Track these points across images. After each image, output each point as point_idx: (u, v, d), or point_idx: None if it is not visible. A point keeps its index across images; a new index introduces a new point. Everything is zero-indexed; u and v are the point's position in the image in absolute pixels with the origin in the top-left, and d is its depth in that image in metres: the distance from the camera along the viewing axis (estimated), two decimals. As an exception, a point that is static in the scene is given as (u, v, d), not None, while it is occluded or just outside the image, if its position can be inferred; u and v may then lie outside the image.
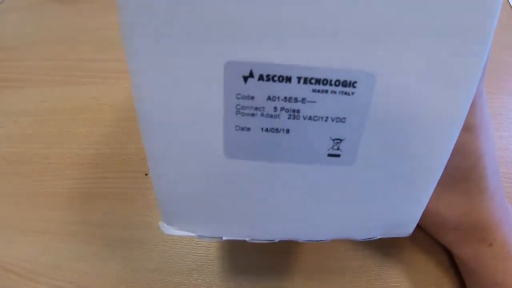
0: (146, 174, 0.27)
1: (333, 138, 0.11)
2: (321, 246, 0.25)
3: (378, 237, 0.15)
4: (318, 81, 0.09)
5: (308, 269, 0.24)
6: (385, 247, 0.24)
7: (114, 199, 0.26)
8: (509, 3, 0.39)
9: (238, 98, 0.10)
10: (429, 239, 0.23)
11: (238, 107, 0.10)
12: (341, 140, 0.11)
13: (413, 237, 0.16)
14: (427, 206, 0.15)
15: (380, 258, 0.24)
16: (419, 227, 0.17)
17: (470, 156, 0.17)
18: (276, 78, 0.09)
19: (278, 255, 0.24)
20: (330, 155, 0.11)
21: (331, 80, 0.09)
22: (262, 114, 0.10)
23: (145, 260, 0.24)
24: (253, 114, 0.10)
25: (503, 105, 0.31)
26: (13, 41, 0.39)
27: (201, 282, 0.24)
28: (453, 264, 0.23)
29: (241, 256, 0.24)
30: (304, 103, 0.10)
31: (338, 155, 0.11)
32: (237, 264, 0.24)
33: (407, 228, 0.15)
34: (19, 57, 0.37)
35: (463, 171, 0.18)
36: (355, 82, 0.10)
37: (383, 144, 0.11)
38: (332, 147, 0.11)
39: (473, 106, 0.16)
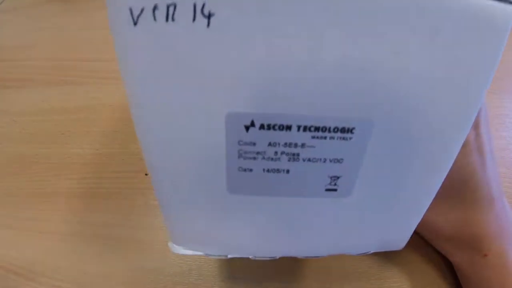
0: (146, 174, 0.27)
1: (330, 175, 0.11)
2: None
3: (372, 251, 0.16)
4: (317, 129, 0.10)
5: (309, 269, 0.24)
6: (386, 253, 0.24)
7: (114, 199, 0.26)
8: (509, 3, 0.39)
9: (240, 144, 0.10)
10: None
11: (240, 151, 0.10)
12: (338, 177, 0.11)
13: (413, 238, 0.16)
14: (429, 220, 0.16)
15: (381, 258, 0.24)
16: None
17: (464, 169, 0.17)
18: (276, 127, 0.10)
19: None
20: (327, 189, 0.12)
21: (329, 127, 0.10)
22: (263, 158, 0.10)
23: (145, 260, 0.24)
24: (254, 158, 0.10)
25: (503, 105, 0.31)
26: (13, 41, 0.39)
27: (201, 282, 0.24)
28: (451, 265, 0.23)
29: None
30: (304, 147, 0.10)
31: (335, 190, 0.12)
32: (237, 264, 0.24)
33: (400, 243, 0.15)
34: (19, 57, 0.37)
35: (458, 183, 0.18)
36: (353, 128, 0.10)
37: (379, 176, 0.12)
38: (330, 183, 0.11)
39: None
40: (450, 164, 0.12)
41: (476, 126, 0.17)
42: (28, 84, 0.32)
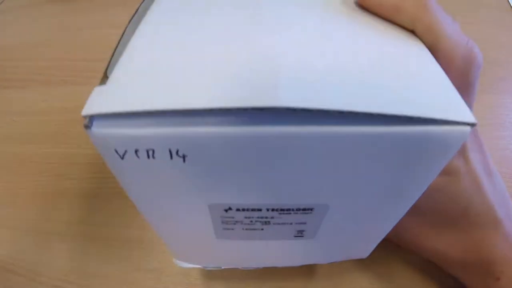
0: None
1: (296, 230, 0.14)
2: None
3: (339, 260, 0.19)
4: (282, 209, 0.12)
5: (309, 269, 0.24)
6: (388, 246, 0.24)
7: (114, 199, 0.26)
8: (509, 3, 0.39)
9: (222, 217, 0.13)
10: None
11: (222, 220, 0.13)
12: (303, 230, 0.14)
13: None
14: (427, 246, 0.19)
15: (382, 258, 0.24)
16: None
17: (459, 197, 0.17)
18: (250, 209, 0.12)
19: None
20: (295, 236, 0.15)
21: (293, 208, 0.12)
22: (241, 223, 0.13)
23: (145, 260, 0.24)
24: (234, 223, 0.13)
25: (503, 105, 0.31)
26: (13, 41, 0.39)
27: (201, 282, 0.24)
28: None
29: (241, 256, 0.24)
30: (273, 218, 0.13)
31: (302, 236, 0.15)
32: (237, 264, 0.24)
33: (364, 254, 0.18)
34: (19, 57, 0.37)
35: (456, 212, 0.18)
36: (312, 208, 0.12)
37: (338, 225, 0.14)
38: (296, 234, 0.14)
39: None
40: (404, 210, 0.14)
41: (462, 152, 0.17)
42: (28, 84, 0.32)
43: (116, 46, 0.12)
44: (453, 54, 0.14)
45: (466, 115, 0.08)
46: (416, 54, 0.11)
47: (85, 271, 0.24)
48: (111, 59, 0.11)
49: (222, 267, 0.20)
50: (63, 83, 0.33)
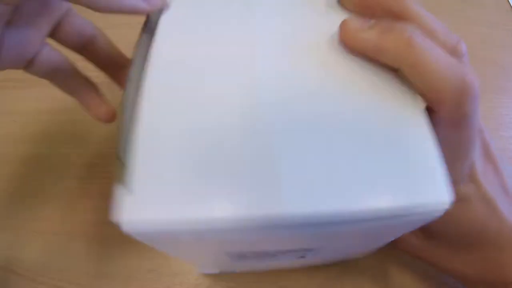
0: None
1: (299, 257, 0.17)
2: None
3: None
4: (283, 252, 0.15)
5: (309, 269, 0.24)
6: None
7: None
8: (509, 3, 0.39)
9: (237, 256, 0.15)
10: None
11: (237, 256, 0.15)
12: (304, 257, 0.17)
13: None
14: (445, 265, 0.19)
15: (384, 257, 0.24)
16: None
17: (475, 222, 0.17)
18: (259, 252, 0.15)
19: (278, 255, 0.24)
20: (298, 258, 0.18)
21: (292, 250, 0.15)
22: (252, 258, 0.16)
23: (145, 260, 0.24)
24: (246, 258, 0.16)
25: (503, 105, 0.31)
26: (13, 41, 0.39)
27: (201, 282, 0.24)
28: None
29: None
30: (279, 254, 0.16)
31: (303, 258, 0.18)
32: (237, 264, 0.24)
33: (358, 256, 0.22)
34: (19, 57, 0.37)
35: (473, 236, 0.18)
36: (312, 249, 0.15)
37: (334, 251, 0.18)
38: (299, 258, 0.18)
39: (465, 178, 0.16)
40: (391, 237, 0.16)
41: (472, 178, 0.17)
42: (28, 84, 0.32)
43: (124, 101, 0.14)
44: (443, 89, 0.13)
45: (443, 195, 0.10)
46: (406, 121, 0.12)
47: (85, 271, 0.24)
48: (123, 131, 0.14)
49: (237, 271, 0.23)
50: (63, 83, 0.33)
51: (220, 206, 0.11)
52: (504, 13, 0.38)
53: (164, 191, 0.11)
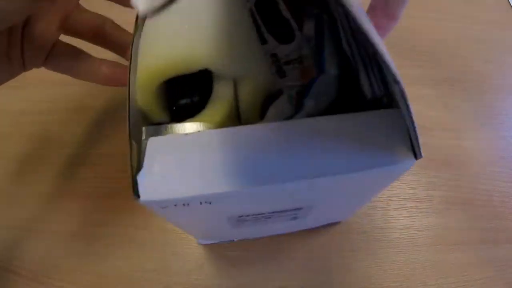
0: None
1: (291, 217, 0.19)
2: (323, 248, 0.25)
3: (326, 223, 0.25)
4: (280, 211, 0.17)
5: (309, 269, 0.24)
6: (384, 247, 0.24)
7: (114, 199, 0.26)
8: (509, 3, 0.39)
9: (236, 220, 0.17)
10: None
11: (237, 220, 0.17)
12: (296, 217, 0.19)
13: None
14: None
15: (384, 257, 0.24)
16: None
17: None
18: (256, 214, 0.17)
19: (279, 255, 0.24)
20: (290, 219, 0.19)
21: (287, 210, 0.17)
22: (250, 221, 0.18)
23: (145, 260, 0.24)
24: (245, 221, 0.18)
25: (503, 105, 0.31)
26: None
27: (201, 282, 0.24)
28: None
29: (241, 255, 0.25)
30: (273, 215, 0.17)
31: (295, 219, 0.20)
32: (237, 264, 0.24)
33: (345, 218, 0.25)
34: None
35: None
36: (301, 208, 0.17)
37: (322, 210, 0.20)
38: (291, 219, 0.19)
39: None
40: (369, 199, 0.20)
41: None
42: (28, 84, 0.32)
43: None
44: None
45: (408, 155, 0.13)
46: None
47: (85, 271, 0.24)
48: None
49: (235, 240, 0.25)
50: (64, 83, 0.33)
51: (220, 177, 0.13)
52: (504, 12, 0.38)
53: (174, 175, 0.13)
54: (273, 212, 0.17)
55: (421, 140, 0.12)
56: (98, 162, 0.28)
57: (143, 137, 0.14)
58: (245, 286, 0.24)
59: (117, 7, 0.20)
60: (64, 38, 0.22)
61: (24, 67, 0.20)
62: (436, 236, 0.25)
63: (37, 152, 0.29)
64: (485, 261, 0.24)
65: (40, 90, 0.32)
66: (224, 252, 0.25)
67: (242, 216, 0.17)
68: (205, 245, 0.25)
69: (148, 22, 0.16)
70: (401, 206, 0.26)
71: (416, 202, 0.26)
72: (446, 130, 0.29)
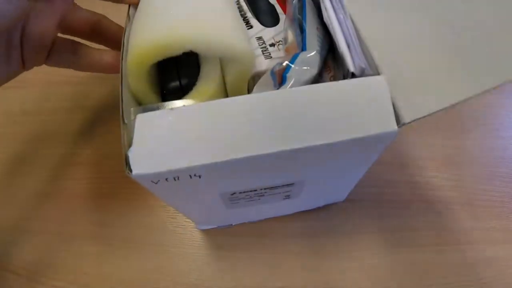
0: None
1: (284, 195, 0.19)
2: (323, 248, 0.25)
3: (322, 205, 0.26)
4: (271, 188, 0.17)
5: (309, 269, 0.24)
6: (383, 246, 0.24)
7: (114, 199, 0.26)
8: (509, 3, 0.39)
9: (229, 198, 0.18)
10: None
11: (230, 199, 0.18)
12: (289, 195, 0.20)
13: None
14: None
15: (381, 259, 0.24)
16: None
17: None
18: (248, 191, 0.17)
19: (279, 255, 0.24)
20: (284, 198, 0.20)
21: (278, 186, 0.17)
22: (243, 199, 0.18)
23: (145, 260, 0.24)
24: (238, 200, 0.18)
25: (503, 105, 0.31)
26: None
27: (201, 282, 0.24)
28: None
29: (241, 255, 0.25)
30: (266, 193, 0.18)
31: (288, 198, 0.20)
32: (237, 264, 0.24)
33: (341, 199, 0.26)
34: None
35: None
36: (293, 183, 0.18)
37: (315, 188, 0.20)
38: (284, 198, 0.20)
39: None
40: (361, 174, 0.20)
41: None
42: (28, 84, 0.32)
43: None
44: None
45: (392, 124, 0.13)
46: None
47: (85, 271, 0.24)
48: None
49: (233, 224, 0.25)
50: (63, 83, 0.33)
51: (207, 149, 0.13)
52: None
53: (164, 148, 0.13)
54: (265, 189, 0.17)
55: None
56: (98, 162, 0.28)
57: (132, 117, 0.14)
58: (245, 286, 0.24)
59: (111, 5, 0.20)
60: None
61: (24, 67, 0.21)
62: (436, 236, 0.25)
63: (37, 152, 0.29)
64: (485, 261, 0.24)
65: (40, 90, 0.32)
66: (224, 252, 0.25)
67: (234, 193, 0.17)
68: (206, 245, 0.25)
69: (138, 8, 0.16)
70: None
71: (416, 202, 0.26)
72: (446, 130, 0.29)
